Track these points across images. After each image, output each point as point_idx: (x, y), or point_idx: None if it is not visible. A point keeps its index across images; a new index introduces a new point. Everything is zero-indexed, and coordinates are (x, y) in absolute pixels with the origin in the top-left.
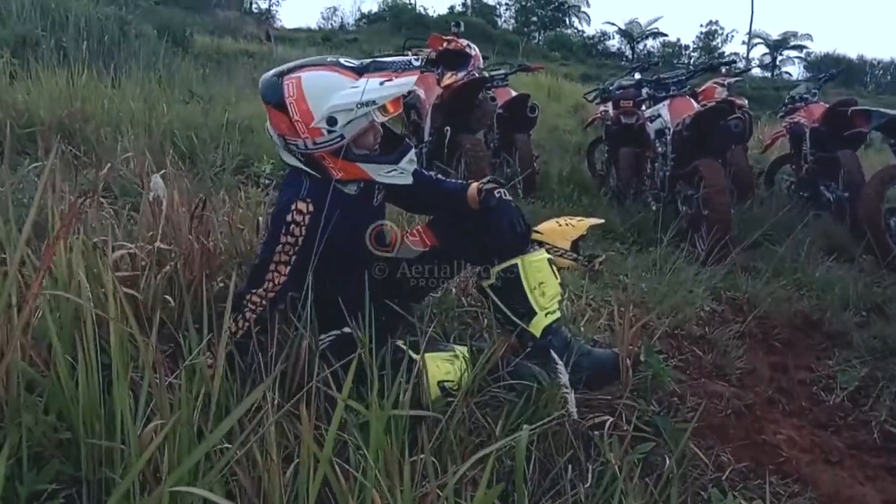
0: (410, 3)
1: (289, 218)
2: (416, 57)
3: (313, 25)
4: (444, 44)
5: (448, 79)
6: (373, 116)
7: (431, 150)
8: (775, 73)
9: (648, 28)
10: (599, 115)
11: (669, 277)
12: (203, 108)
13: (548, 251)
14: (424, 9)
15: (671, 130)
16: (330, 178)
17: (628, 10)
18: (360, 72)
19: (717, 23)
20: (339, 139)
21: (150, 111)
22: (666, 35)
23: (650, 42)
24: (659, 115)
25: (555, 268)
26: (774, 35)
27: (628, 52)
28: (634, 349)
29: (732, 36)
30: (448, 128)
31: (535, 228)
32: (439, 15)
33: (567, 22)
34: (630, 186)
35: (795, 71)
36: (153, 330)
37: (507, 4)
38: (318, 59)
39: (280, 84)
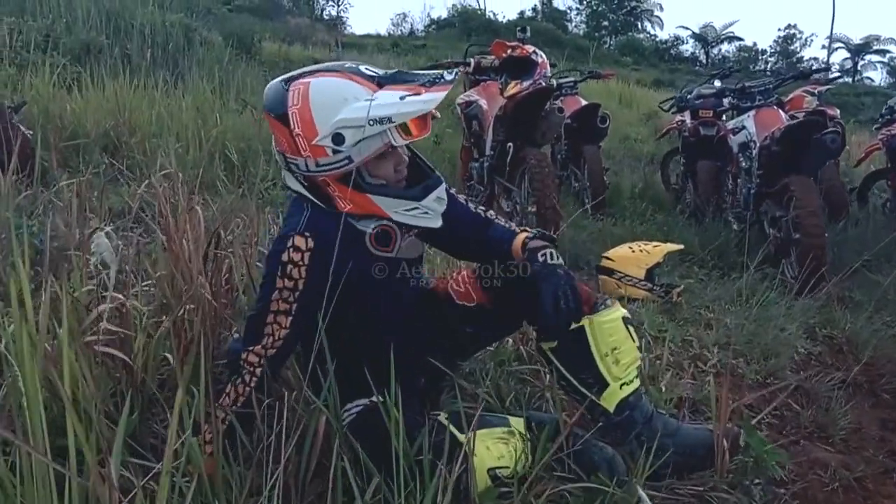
0: (480, 9)
1: (285, 257)
2: (450, 70)
3: (383, 32)
4: (509, 50)
5: (512, 88)
6: (389, 137)
7: (493, 165)
8: (856, 78)
9: (724, 32)
10: (675, 125)
11: (757, 311)
12: (257, 119)
13: (620, 280)
14: (494, 14)
15: (757, 144)
16: (336, 209)
17: (703, 14)
18: (380, 83)
19: (795, 26)
20: (346, 162)
21: (202, 121)
22: (742, 39)
23: (725, 46)
24: (743, 127)
25: (632, 329)
26: (856, 39)
27: (702, 57)
28: (732, 428)
29: (812, 40)
30: (511, 144)
31: (606, 255)
32: (509, 20)
33: (639, 26)
34: (709, 204)
35: (878, 76)
36: (114, 450)
37: (577, 9)
38: (334, 65)
39: (285, 91)
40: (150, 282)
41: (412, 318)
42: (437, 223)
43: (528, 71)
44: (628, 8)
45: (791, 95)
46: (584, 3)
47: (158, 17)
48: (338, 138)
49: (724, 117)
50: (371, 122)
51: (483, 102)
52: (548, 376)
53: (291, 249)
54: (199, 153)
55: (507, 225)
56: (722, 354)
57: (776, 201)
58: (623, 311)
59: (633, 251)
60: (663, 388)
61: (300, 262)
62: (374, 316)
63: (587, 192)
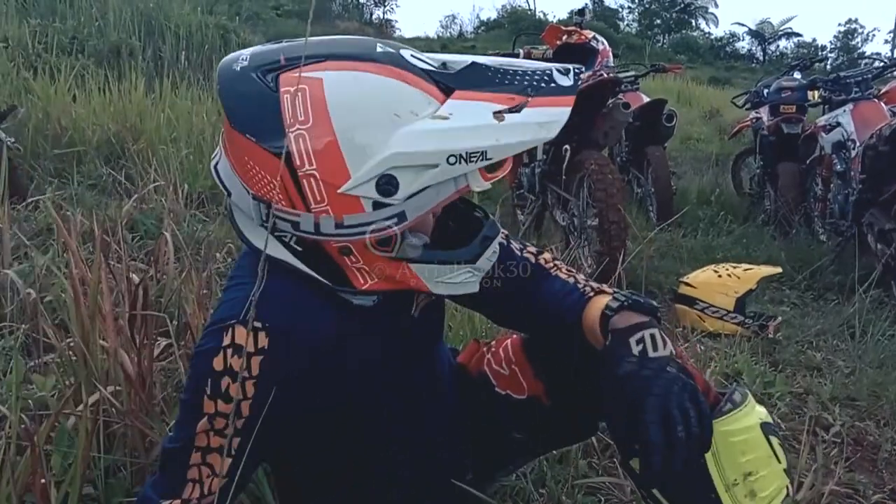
0: (529, 10)
1: (217, 363)
2: (563, 67)
3: (431, 34)
4: (564, 37)
5: None
6: (468, 181)
7: (545, 171)
8: None
9: (781, 28)
10: (749, 122)
11: (874, 350)
12: None
13: (703, 312)
14: (544, 14)
15: (857, 143)
16: (349, 285)
17: (759, 10)
18: (445, 84)
19: (856, 21)
20: (393, 222)
21: (214, 127)
22: (800, 35)
23: (783, 43)
24: (838, 124)
25: (776, 442)
26: None
27: (759, 54)
28: None
29: (874, 35)
30: (567, 147)
31: (686, 280)
32: (559, 20)
33: (693, 24)
34: (795, 211)
35: None
36: None
37: (629, 7)
38: (359, 44)
39: (272, 93)
40: (49, 356)
41: (424, 417)
42: (476, 288)
43: (587, 60)
44: (682, 5)
45: (887, 87)
46: (637, 1)
47: (194, 19)
48: (387, 184)
49: (811, 112)
50: (451, 160)
51: None
52: (630, 488)
53: (229, 351)
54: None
55: (573, 280)
56: (844, 414)
57: (885, 211)
58: (761, 413)
59: (720, 276)
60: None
61: (244, 375)
62: (371, 425)
63: (651, 198)
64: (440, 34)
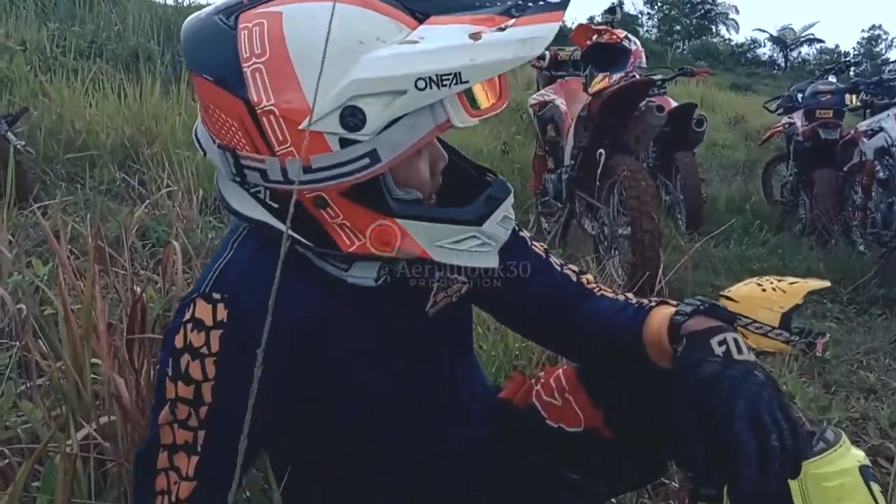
0: None
1: (178, 341)
2: None
3: None
4: (594, 36)
5: (599, 82)
6: (446, 114)
7: (573, 178)
8: None
9: (803, 34)
10: (781, 128)
11: None
12: None
13: (746, 328)
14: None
15: None
16: (334, 247)
17: (780, 16)
18: (418, 11)
19: (880, 27)
20: (364, 163)
21: None
22: (823, 41)
23: (805, 49)
24: (881, 129)
25: (876, 488)
26: None
27: (781, 61)
28: None
29: None
30: (602, 151)
31: (726, 293)
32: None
33: (714, 30)
34: (833, 221)
35: None
36: None
37: (648, 14)
38: None
39: (230, 31)
40: (42, 379)
41: (455, 455)
42: (494, 262)
43: (619, 61)
44: (702, 11)
45: None
46: (656, 7)
47: None
48: (352, 116)
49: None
50: (420, 84)
51: (561, 102)
52: None
53: (189, 326)
54: None
55: (623, 298)
56: None
57: None
58: (859, 455)
59: (763, 289)
60: None
61: (203, 351)
62: (360, 422)
63: (681, 206)
64: None
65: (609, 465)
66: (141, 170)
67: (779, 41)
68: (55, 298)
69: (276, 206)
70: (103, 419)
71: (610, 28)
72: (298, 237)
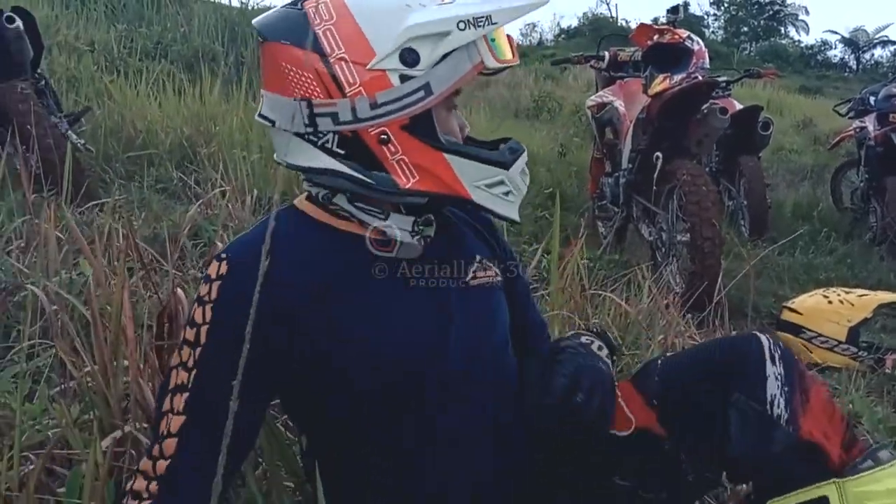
0: (611, 16)
1: (199, 290)
2: None
3: None
4: (655, 36)
5: (660, 83)
6: (480, 55)
7: (630, 181)
8: None
9: (876, 36)
10: (852, 132)
11: None
12: None
13: (810, 342)
14: (626, 21)
15: None
16: (396, 187)
17: (852, 17)
18: None
19: None
20: (421, 95)
21: None
22: None
23: (878, 52)
24: None
25: None
26: None
27: (852, 63)
28: None
29: None
30: (658, 154)
31: (790, 305)
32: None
33: (782, 31)
34: None
35: None
36: None
37: (714, 15)
38: None
39: (299, 12)
40: (72, 382)
41: (487, 453)
42: (514, 214)
43: (681, 62)
44: (770, 12)
45: None
46: (722, 8)
47: None
48: (409, 55)
49: None
50: (461, 25)
51: (619, 104)
52: None
53: (202, 281)
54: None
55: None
56: None
57: None
58: None
59: (830, 301)
60: None
61: (206, 299)
62: (367, 396)
63: (744, 211)
64: (520, 42)
65: (661, 470)
66: (197, 169)
67: (850, 43)
68: (93, 301)
69: (342, 151)
70: (128, 427)
71: (672, 28)
72: (354, 174)
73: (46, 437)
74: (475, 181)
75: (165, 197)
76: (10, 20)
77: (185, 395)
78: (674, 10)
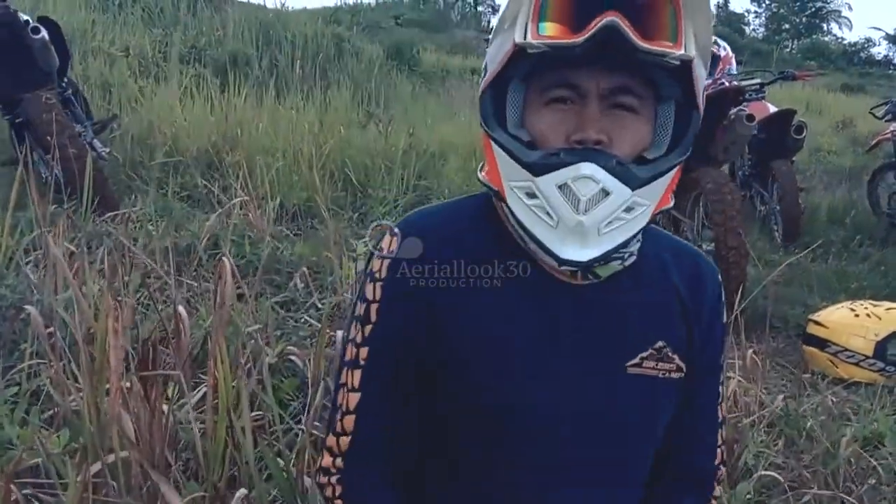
0: None
1: (371, 265)
2: None
3: None
4: None
5: None
6: (515, 35)
7: None
8: None
9: None
10: (889, 135)
11: None
12: (380, 132)
13: (836, 356)
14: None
15: None
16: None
17: None
18: None
19: None
20: (486, 64)
21: (314, 137)
22: None
23: None
24: None
25: None
26: None
27: None
28: None
29: None
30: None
31: (815, 318)
32: None
33: (825, 28)
34: None
35: None
36: None
37: (755, 12)
38: None
39: None
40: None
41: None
42: (570, 253)
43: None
44: (812, 9)
45: None
46: (763, 5)
47: (311, 28)
48: (498, 23)
49: None
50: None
51: None
52: None
53: (375, 255)
54: (311, 172)
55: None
56: None
57: None
58: None
59: (857, 315)
60: None
61: (377, 276)
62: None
63: (777, 216)
64: None
65: None
66: (223, 177)
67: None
68: (76, 328)
69: None
70: (110, 458)
71: None
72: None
73: (38, 464)
74: (509, 179)
75: (190, 205)
76: (36, 31)
77: (359, 371)
78: None
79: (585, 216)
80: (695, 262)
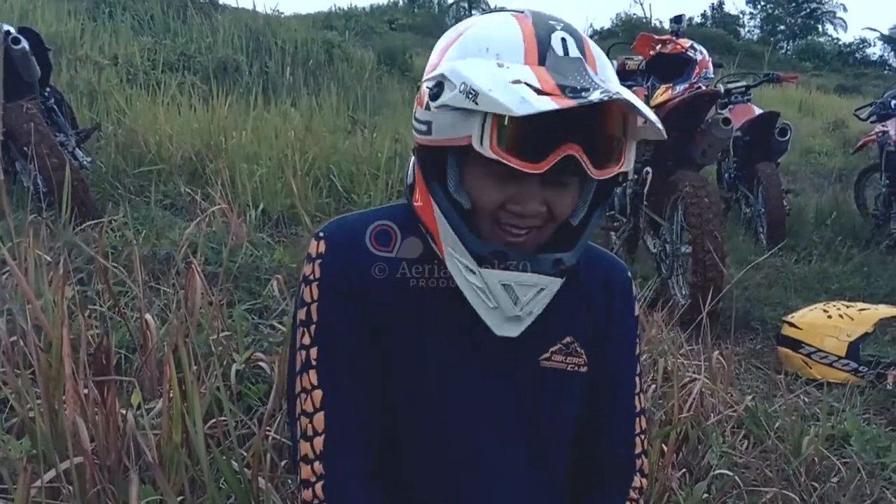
0: (645, 18)
1: (302, 274)
2: (606, 91)
3: None
4: (658, 46)
5: (661, 94)
6: (474, 134)
7: (637, 192)
8: None
9: None
10: (874, 136)
11: None
12: (368, 139)
13: (809, 357)
14: (660, 21)
15: None
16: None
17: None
18: (543, 60)
19: None
20: (423, 128)
21: (300, 143)
22: None
23: None
24: None
25: None
26: None
27: (892, 61)
28: None
29: None
30: (648, 169)
31: (790, 319)
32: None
33: (820, 29)
34: None
35: None
36: None
37: (751, 14)
38: (531, 11)
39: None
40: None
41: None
42: (504, 330)
43: (683, 72)
44: (807, 10)
45: None
46: (758, 6)
47: (301, 35)
48: (436, 88)
49: None
50: (462, 87)
51: None
52: None
53: (306, 261)
54: (296, 180)
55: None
56: None
57: None
58: None
59: (829, 316)
60: None
61: (311, 278)
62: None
63: (761, 219)
64: None
65: None
66: (206, 184)
67: (891, 40)
68: (29, 337)
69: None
70: (64, 464)
71: (674, 38)
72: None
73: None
74: (450, 247)
75: (173, 213)
76: (16, 41)
77: (314, 371)
78: (677, 20)
79: (523, 311)
80: (607, 265)
